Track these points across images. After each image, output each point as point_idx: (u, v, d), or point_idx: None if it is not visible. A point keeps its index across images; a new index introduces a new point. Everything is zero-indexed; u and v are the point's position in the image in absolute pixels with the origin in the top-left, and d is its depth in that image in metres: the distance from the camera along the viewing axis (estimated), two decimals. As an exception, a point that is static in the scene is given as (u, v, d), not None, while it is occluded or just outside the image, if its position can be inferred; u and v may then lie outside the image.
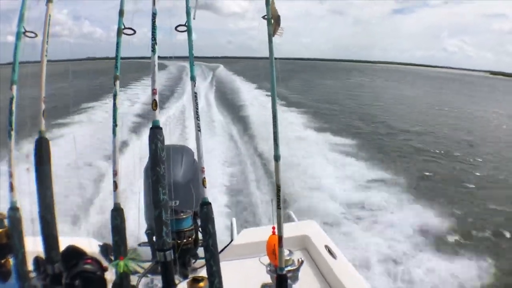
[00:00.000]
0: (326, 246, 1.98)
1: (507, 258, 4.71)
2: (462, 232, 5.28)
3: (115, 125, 1.18)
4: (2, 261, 1.41)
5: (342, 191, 6.24)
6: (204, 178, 1.14)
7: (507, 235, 5.49)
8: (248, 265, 1.73)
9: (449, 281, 3.95)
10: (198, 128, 1.15)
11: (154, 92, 1.11)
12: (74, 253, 1.26)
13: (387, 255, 4.25)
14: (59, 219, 1.28)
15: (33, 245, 1.27)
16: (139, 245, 2.03)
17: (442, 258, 4.37)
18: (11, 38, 1.29)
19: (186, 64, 1.27)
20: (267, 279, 1.33)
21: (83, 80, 25.95)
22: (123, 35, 1.20)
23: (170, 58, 1.28)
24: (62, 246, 1.27)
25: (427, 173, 8.49)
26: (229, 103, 15.94)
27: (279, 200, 1.20)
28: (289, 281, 1.27)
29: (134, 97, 15.66)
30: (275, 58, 1.17)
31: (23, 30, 1.25)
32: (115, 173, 1.16)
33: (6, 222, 1.35)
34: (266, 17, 1.19)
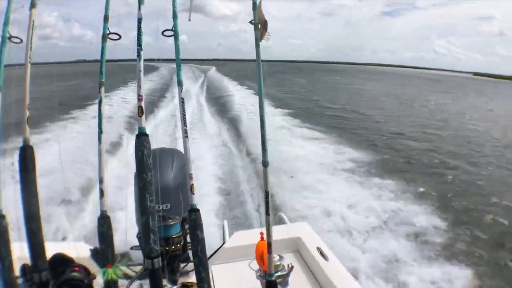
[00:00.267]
0: (318, 248, 1.97)
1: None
2: (454, 236, 5.28)
3: (100, 131, 1.17)
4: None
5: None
6: (192, 184, 1.13)
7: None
8: (240, 268, 1.72)
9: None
10: (185, 134, 1.14)
11: (140, 98, 1.09)
12: (61, 261, 1.25)
13: (380, 258, 4.23)
14: (46, 226, 1.26)
15: (21, 251, 1.25)
16: (131, 248, 2.01)
17: (437, 262, 4.36)
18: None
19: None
20: (258, 284, 1.32)
21: (73, 81, 25.70)
22: (108, 40, 1.19)
23: (158, 60, 1.27)
24: (52, 252, 1.25)
25: (411, 162, 9.11)
26: (221, 105, 15.90)
27: (268, 206, 1.19)
28: (279, 286, 1.26)
29: (126, 99, 15.48)
30: (263, 61, 1.17)
31: (8, 35, 1.23)
32: (101, 180, 1.15)
33: None
34: (253, 22, 1.18)
